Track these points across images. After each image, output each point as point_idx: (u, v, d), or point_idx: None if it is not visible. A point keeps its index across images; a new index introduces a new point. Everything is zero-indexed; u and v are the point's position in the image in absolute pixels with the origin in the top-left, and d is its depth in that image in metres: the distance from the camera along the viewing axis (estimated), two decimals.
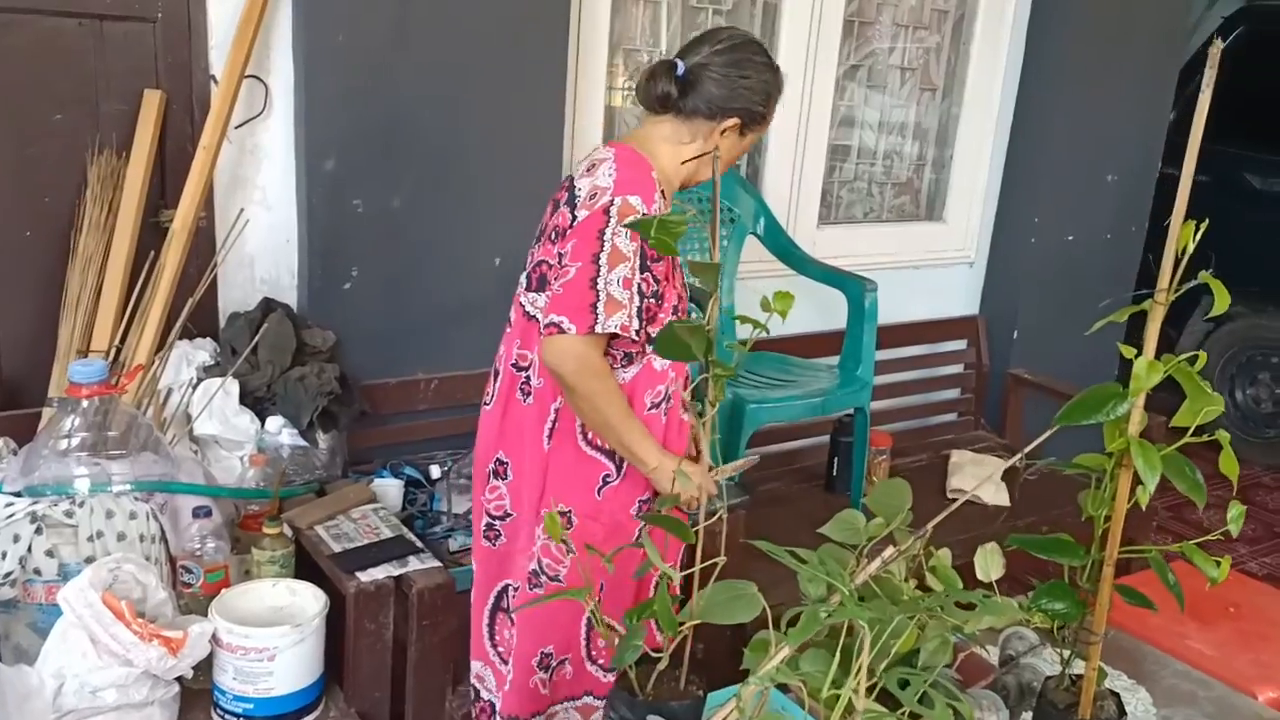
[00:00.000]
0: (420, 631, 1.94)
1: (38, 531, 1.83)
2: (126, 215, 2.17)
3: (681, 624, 1.41)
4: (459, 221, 2.56)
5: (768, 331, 1.32)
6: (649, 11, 2.99)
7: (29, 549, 1.83)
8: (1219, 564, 1.34)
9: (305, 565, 2.04)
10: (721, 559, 1.43)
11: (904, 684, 1.24)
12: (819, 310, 3.12)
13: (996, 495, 3.08)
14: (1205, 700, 1.74)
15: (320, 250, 2.40)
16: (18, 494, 1.86)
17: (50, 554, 1.84)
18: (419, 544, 2.06)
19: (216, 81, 2.26)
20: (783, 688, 1.49)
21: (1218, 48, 1.12)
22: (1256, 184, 4.63)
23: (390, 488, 2.39)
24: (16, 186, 2.15)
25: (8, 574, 1.83)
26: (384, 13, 2.34)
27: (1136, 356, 1.29)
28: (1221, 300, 1.24)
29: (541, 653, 1.88)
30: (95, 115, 2.19)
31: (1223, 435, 1.30)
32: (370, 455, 2.52)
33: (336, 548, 2.02)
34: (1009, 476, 3.08)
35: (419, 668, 1.97)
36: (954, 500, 1.38)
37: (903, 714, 1.20)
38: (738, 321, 1.38)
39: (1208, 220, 1.24)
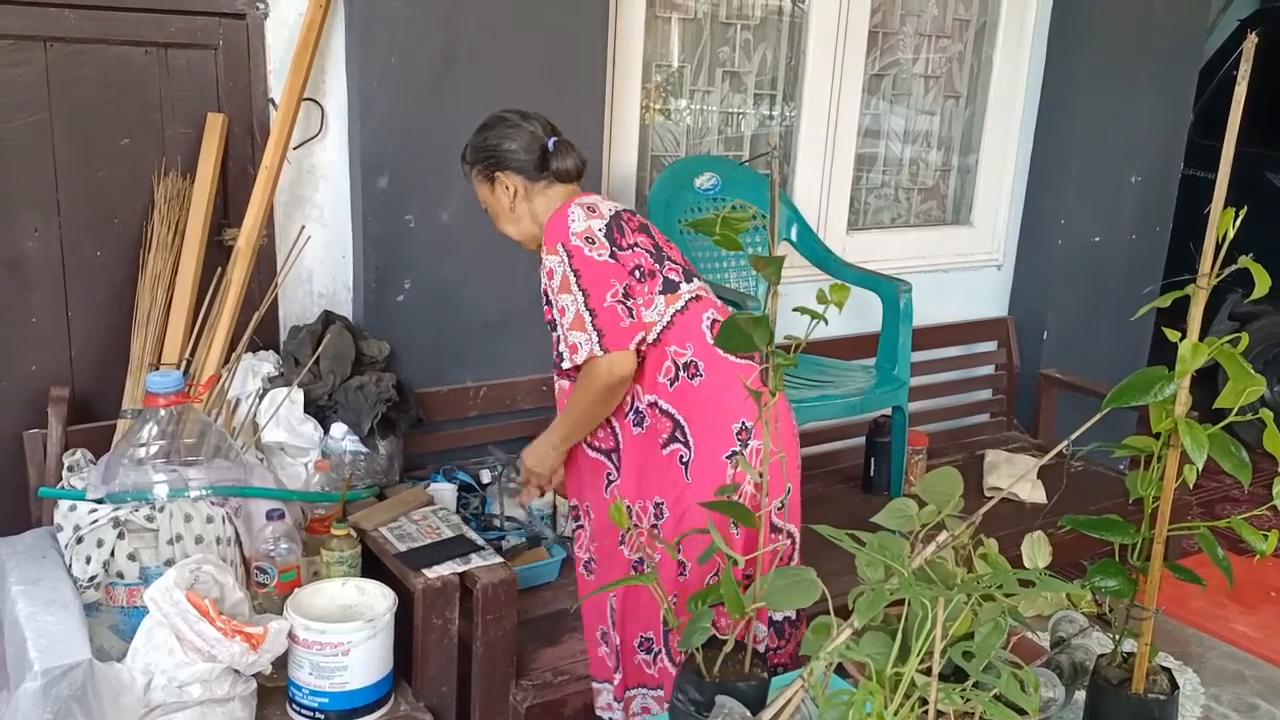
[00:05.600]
0: (485, 626, 2.01)
1: (120, 536, 1.92)
2: (192, 234, 2.26)
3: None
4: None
5: (826, 322, 1.39)
6: (680, 30, 3.08)
7: (112, 553, 1.92)
8: (1266, 537, 1.39)
9: (370, 565, 2.11)
10: (785, 542, 1.50)
11: (968, 656, 1.29)
12: (851, 314, 3.17)
13: (1033, 493, 3.13)
14: (1253, 679, 1.78)
15: (375, 264, 2.49)
16: (100, 501, 1.95)
17: (132, 558, 1.92)
18: (480, 542, 2.13)
19: (275, 105, 2.36)
20: (841, 673, 1.55)
21: (1252, 40, 1.18)
22: (1279, 183, 4.67)
23: (444, 492, 2.46)
24: (87, 209, 2.25)
25: (93, 578, 1.92)
26: (434, 37, 2.43)
27: (1181, 340, 1.35)
28: (1261, 283, 1.30)
29: (641, 637, 2.01)
30: (161, 139, 2.29)
31: (1265, 414, 1.35)
32: (424, 461, 2.59)
33: (401, 547, 2.09)
34: (1047, 474, 3.12)
35: (484, 662, 2.03)
36: (992, 498, 1.44)
37: (966, 688, 1.26)
38: (794, 313, 1.45)
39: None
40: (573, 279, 1.88)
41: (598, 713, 2.11)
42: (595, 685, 2.11)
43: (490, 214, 2.08)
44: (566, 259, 1.89)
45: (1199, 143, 4.15)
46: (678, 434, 1.92)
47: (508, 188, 2.01)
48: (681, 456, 1.91)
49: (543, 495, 2.18)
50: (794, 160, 3.32)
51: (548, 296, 1.95)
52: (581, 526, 2.11)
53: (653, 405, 1.93)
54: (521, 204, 2.02)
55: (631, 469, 1.96)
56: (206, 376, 2.18)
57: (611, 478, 2.00)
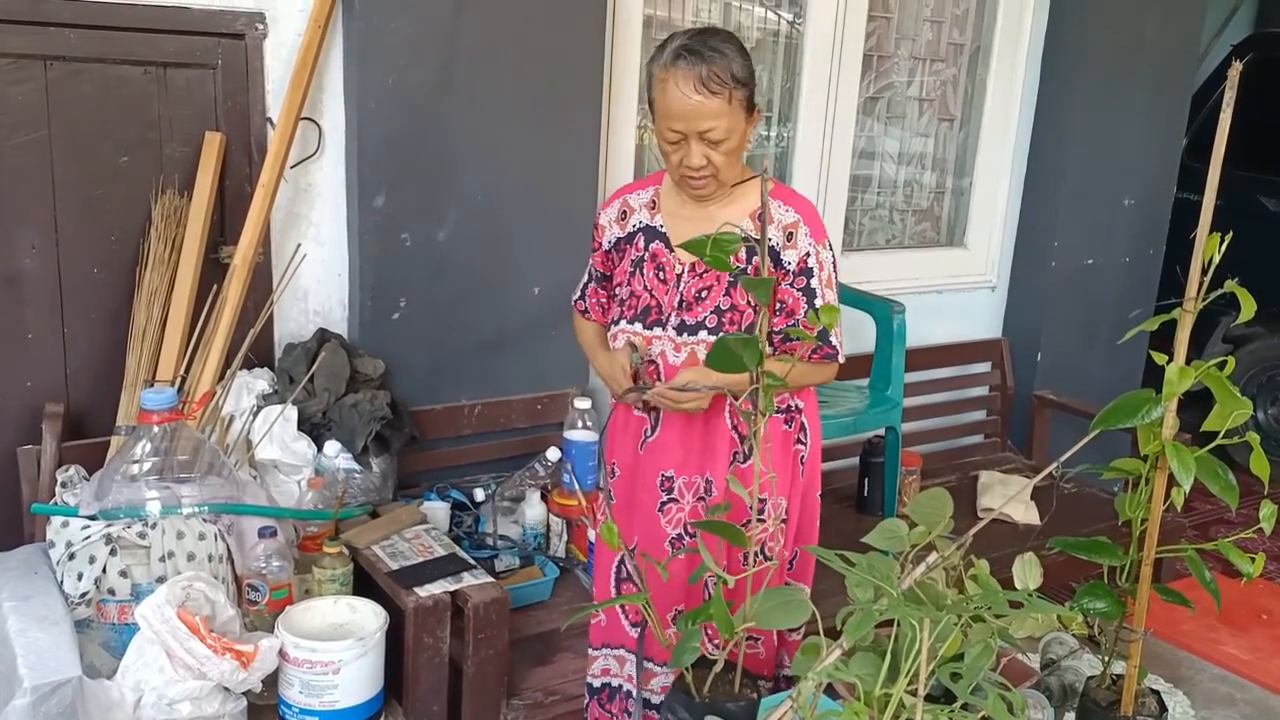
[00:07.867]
0: (476, 645, 2.00)
1: (112, 553, 1.92)
2: (189, 252, 2.27)
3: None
4: (500, 254, 2.66)
5: (817, 343, 1.40)
6: None
7: (104, 570, 1.92)
8: (1253, 560, 1.39)
9: (361, 584, 2.11)
10: (774, 563, 1.50)
11: (955, 677, 1.29)
12: (845, 334, 3.17)
13: (1027, 515, 3.13)
14: (1243, 702, 1.78)
15: (370, 283, 2.50)
16: (92, 518, 1.95)
17: (124, 574, 1.92)
18: (472, 561, 2.13)
19: (273, 124, 2.37)
20: (831, 693, 1.55)
21: (1237, 68, 1.19)
22: (1271, 207, 4.70)
23: (437, 510, 2.46)
24: (85, 226, 2.26)
25: (84, 594, 1.92)
26: (431, 59, 2.45)
27: (1168, 363, 1.36)
28: (1247, 307, 1.31)
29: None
30: (159, 157, 2.31)
31: (1252, 436, 1.36)
32: (417, 480, 2.60)
33: (394, 565, 2.09)
34: (1039, 495, 3.13)
35: (475, 681, 2.03)
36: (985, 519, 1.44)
37: (954, 710, 1.26)
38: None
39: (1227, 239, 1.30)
40: (835, 281, 1.90)
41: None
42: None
43: (723, 148, 1.79)
44: (832, 260, 1.90)
45: (1192, 166, 4.18)
46: (801, 436, 1.99)
47: (753, 128, 1.85)
48: (801, 456, 1.98)
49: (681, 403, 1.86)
50: (789, 181, 3.33)
51: (794, 276, 1.84)
52: (675, 501, 1.95)
53: (797, 409, 1.99)
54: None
55: (773, 464, 1.94)
56: (201, 393, 2.19)
57: (738, 456, 1.95)
